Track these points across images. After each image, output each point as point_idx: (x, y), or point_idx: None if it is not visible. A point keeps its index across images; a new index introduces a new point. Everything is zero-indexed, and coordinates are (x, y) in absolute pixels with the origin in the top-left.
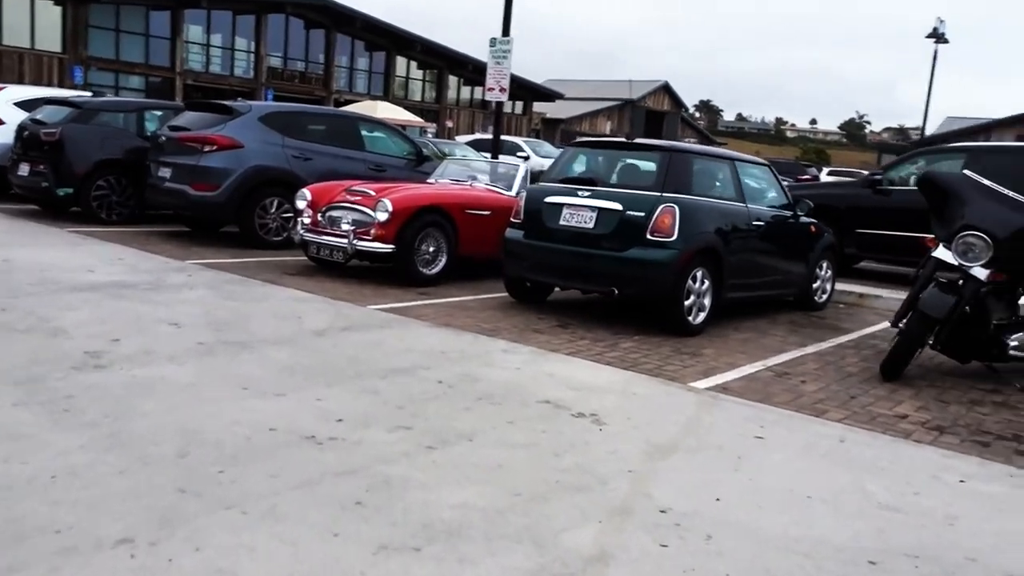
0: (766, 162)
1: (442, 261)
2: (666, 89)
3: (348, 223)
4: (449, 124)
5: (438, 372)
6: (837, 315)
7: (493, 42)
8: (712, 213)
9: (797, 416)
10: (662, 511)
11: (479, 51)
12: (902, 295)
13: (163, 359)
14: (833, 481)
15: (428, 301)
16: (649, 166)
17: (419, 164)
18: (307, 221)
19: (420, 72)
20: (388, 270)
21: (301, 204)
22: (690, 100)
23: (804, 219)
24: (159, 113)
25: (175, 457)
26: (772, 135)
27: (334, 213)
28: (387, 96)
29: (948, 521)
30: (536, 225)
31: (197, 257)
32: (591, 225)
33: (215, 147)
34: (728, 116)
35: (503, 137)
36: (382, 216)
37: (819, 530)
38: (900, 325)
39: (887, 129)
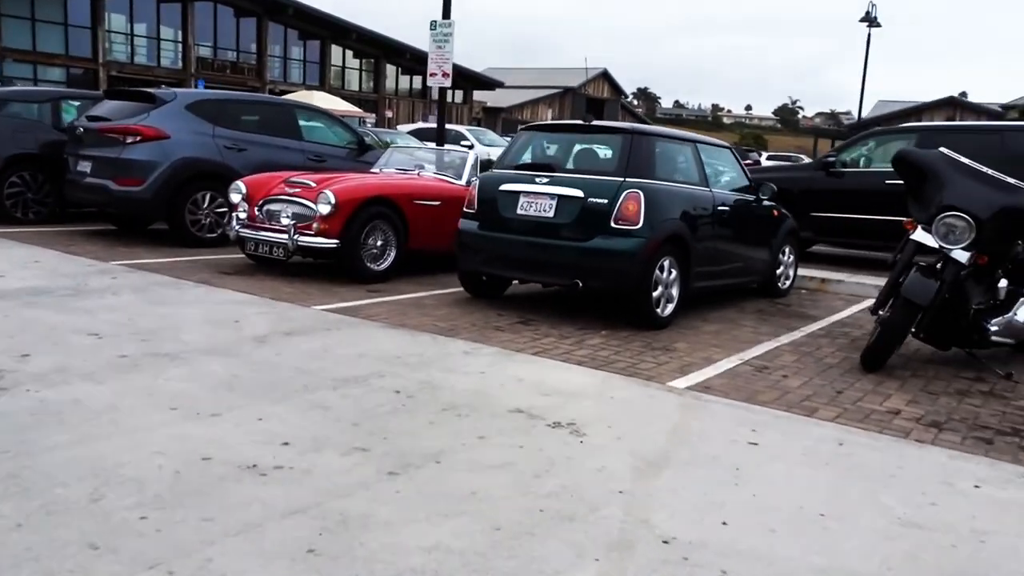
0: (728, 144)
1: (391, 256)
2: (605, 76)
3: (288, 217)
4: (388, 114)
5: (395, 380)
6: (802, 302)
7: (434, 25)
8: (678, 198)
9: (788, 416)
10: (665, 542)
11: (416, 39)
12: (862, 279)
13: (79, 377)
14: (843, 493)
15: (379, 299)
16: (610, 150)
17: (361, 153)
18: (243, 216)
19: (356, 61)
20: (333, 266)
21: (235, 197)
22: (628, 88)
23: (766, 203)
24: (76, 103)
25: (87, 502)
26: (709, 121)
27: (272, 207)
28: (323, 86)
29: (978, 538)
30: (491, 215)
31: (124, 258)
32: (551, 214)
33: (139, 138)
34: (666, 103)
35: (446, 126)
36: (325, 209)
37: (844, 557)
38: (881, 313)
39: (819, 114)
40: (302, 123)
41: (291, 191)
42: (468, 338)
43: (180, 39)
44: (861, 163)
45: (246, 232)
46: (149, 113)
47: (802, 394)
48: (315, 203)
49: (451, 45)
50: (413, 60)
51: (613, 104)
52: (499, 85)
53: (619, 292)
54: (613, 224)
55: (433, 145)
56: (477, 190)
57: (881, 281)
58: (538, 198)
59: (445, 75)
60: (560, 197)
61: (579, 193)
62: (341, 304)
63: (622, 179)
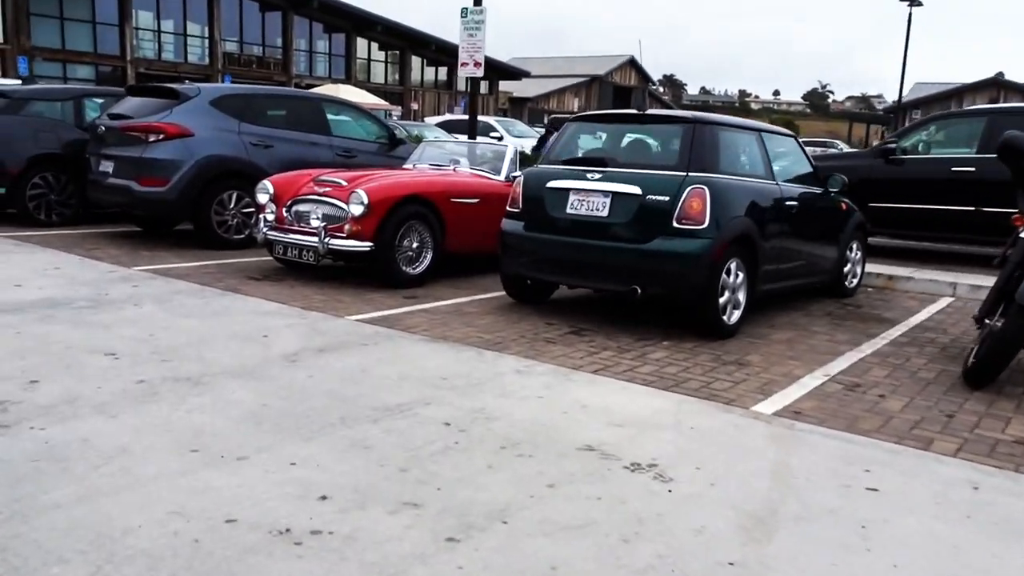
0: (791, 132)
1: (427, 258)
2: (632, 64)
3: (318, 219)
4: (414, 106)
5: (443, 409)
6: (872, 302)
7: (465, 12)
8: (744, 193)
9: (902, 451)
10: None
11: (441, 30)
12: (933, 275)
13: (90, 409)
14: (1001, 560)
15: (417, 306)
16: (669, 141)
17: (392, 148)
18: (270, 218)
19: (382, 54)
20: (367, 270)
21: (263, 198)
22: (654, 75)
23: (833, 195)
24: (100, 101)
25: None
26: (737, 107)
27: (301, 207)
28: (349, 79)
29: None
30: (538, 215)
31: (147, 263)
32: (604, 213)
33: (162, 136)
34: (692, 90)
35: (466, 118)
36: (357, 209)
37: None
38: (987, 322)
39: (850, 98)
40: (330, 117)
41: (321, 191)
42: (518, 353)
43: (207, 35)
44: (921, 149)
45: (274, 235)
46: (172, 110)
47: (909, 420)
48: (347, 203)
49: (483, 33)
50: (438, 51)
51: (640, 92)
52: (525, 75)
53: (682, 299)
54: (675, 224)
55: (466, 138)
56: (522, 187)
57: (954, 277)
58: (590, 196)
59: (477, 65)
60: (615, 194)
61: (636, 190)
62: (377, 313)
63: (684, 173)
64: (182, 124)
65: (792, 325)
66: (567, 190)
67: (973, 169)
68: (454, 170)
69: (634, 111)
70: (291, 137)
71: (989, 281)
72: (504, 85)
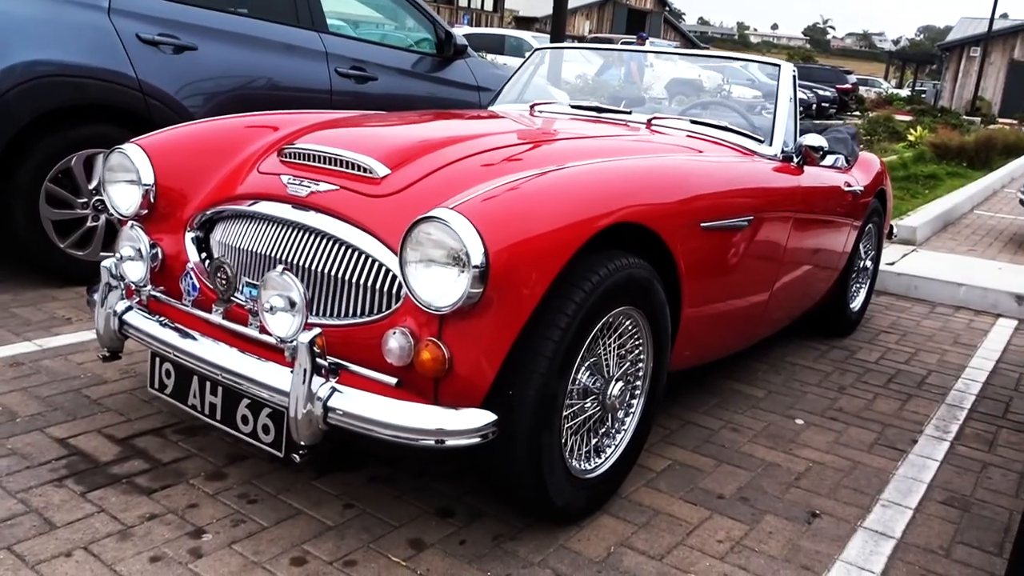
0: None
1: (632, 422)
2: None
3: (285, 296)
4: None
5: None
6: None
7: None
8: None
9: None
10: None
11: None
12: None
13: None
14: None
15: None
16: None
17: (446, 63)
18: (134, 271)
19: None
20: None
21: (124, 198)
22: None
23: None
24: None
25: None
26: (736, 40)
27: (236, 238)
28: None
29: None
30: None
31: None
32: None
33: None
34: (689, 19)
35: (498, 31)
36: (448, 292)
37: None
38: None
39: (851, 35)
40: None
41: (305, 188)
42: None
43: None
44: None
45: (140, 328)
46: None
47: None
48: (405, 250)
49: None
50: None
51: (657, 17)
52: None
53: None
54: None
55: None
56: None
57: None
58: None
59: None
60: None
61: None
62: None
63: None
64: None
65: None
66: None
67: None
68: (648, 127)
69: None
70: (239, 30)
71: None
72: (510, 2)
